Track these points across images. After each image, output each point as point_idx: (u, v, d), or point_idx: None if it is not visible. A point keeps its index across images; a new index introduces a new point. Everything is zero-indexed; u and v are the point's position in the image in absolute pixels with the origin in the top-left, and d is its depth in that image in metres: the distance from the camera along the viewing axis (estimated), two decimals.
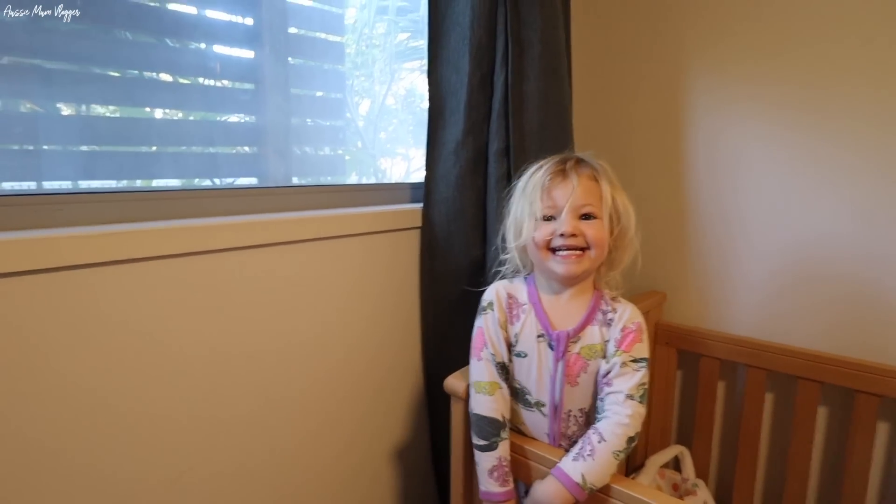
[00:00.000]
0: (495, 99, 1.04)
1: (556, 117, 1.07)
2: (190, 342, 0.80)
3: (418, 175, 1.33)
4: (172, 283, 0.78)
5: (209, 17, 0.97)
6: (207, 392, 0.83)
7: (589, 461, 0.75)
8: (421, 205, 1.09)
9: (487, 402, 0.83)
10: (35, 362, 0.67)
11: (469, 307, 1.09)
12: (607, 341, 0.83)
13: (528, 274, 0.91)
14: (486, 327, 0.87)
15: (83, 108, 0.86)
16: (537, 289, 0.87)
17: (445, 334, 1.04)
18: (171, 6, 0.92)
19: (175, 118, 0.95)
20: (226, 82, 1.02)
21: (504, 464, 0.82)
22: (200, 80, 0.97)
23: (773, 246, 1.17)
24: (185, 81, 0.95)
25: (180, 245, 0.77)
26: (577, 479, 0.74)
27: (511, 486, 0.82)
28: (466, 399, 0.86)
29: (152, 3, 0.89)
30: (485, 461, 0.82)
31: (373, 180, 1.32)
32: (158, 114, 0.94)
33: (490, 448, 0.82)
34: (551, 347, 0.83)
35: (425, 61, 1.08)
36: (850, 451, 1.06)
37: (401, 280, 1.09)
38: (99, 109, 0.88)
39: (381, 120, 1.34)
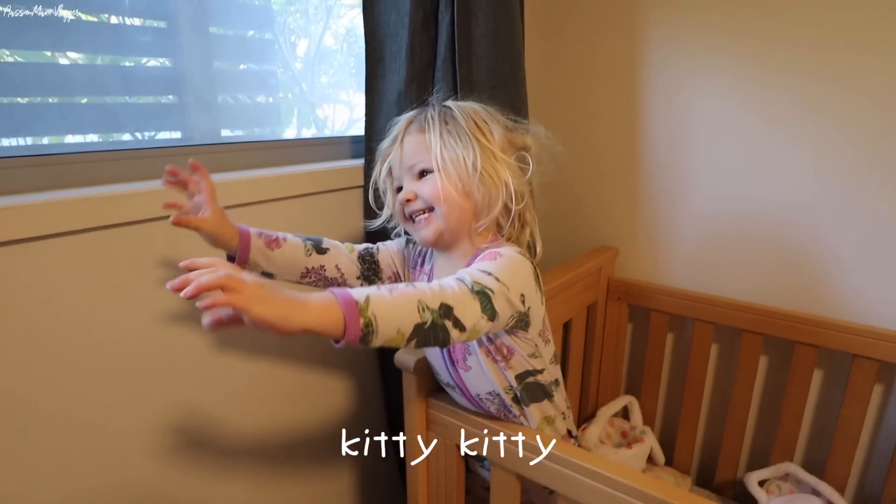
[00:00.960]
0: (440, 42, 0.94)
1: (507, 62, 0.98)
2: (112, 326, 0.73)
3: (361, 125, 1.23)
4: (87, 259, 0.70)
5: None
6: (135, 379, 0.77)
7: (384, 292, 0.55)
8: (362, 161, 1.01)
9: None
10: None
11: None
12: None
13: None
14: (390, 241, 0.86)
15: None
16: (434, 262, 0.81)
17: None
18: None
19: (81, 63, 0.82)
20: (134, 20, 0.89)
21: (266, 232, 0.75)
22: (105, 16, 0.84)
23: (722, 202, 1.15)
24: (89, 18, 0.82)
25: (91, 218, 0.68)
26: (360, 298, 0.53)
27: (249, 231, 0.73)
28: (421, 374, 0.82)
29: None
30: None
31: (313, 130, 1.21)
32: (61, 59, 0.81)
33: None
34: None
35: None
36: (788, 397, 1.11)
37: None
38: None
39: (321, 62, 1.21)
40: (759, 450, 1.21)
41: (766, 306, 1.11)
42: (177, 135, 0.95)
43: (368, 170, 1.00)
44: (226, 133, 1.01)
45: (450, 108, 0.75)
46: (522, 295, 0.68)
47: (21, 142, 0.78)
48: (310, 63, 1.19)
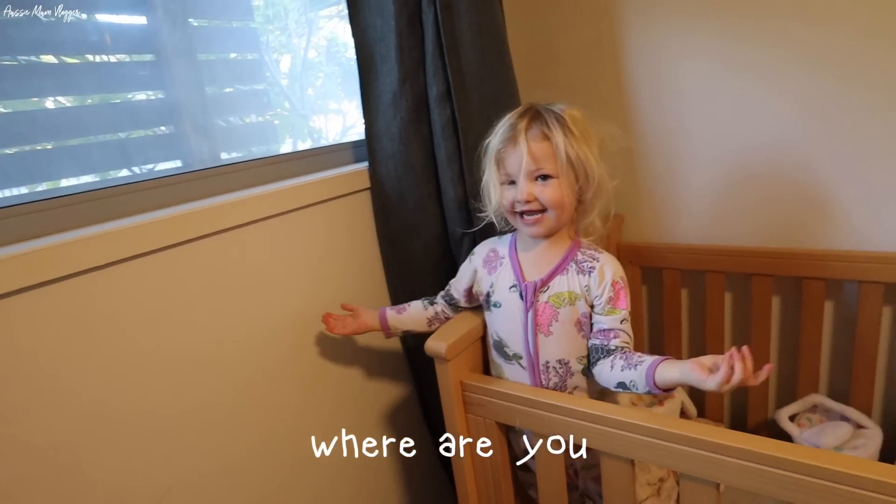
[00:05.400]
0: (427, 39, 0.96)
1: (493, 51, 1.00)
2: (156, 341, 0.75)
3: (356, 131, 1.25)
4: (116, 289, 0.71)
5: None
6: (183, 389, 0.78)
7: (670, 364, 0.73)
8: (366, 164, 1.03)
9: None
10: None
11: (433, 262, 1.06)
12: (586, 288, 0.82)
13: (513, 230, 0.90)
14: (461, 268, 0.95)
15: None
16: (517, 242, 0.89)
17: (414, 292, 1.02)
18: None
19: (70, 105, 0.83)
20: (121, 56, 0.89)
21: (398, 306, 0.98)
22: (89, 57, 0.84)
23: (716, 154, 1.20)
24: (72, 61, 0.82)
25: (103, 254, 0.69)
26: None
27: (385, 310, 0.97)
28: (451, 359, 0.85)
29: None
30: None
31: (308, 143, 1.22)
32: (49, 104, 0.82)
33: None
34: (522, 297, 0.84)
35: (344, 6, 0.98)
36: (804, 332, 1.15)
37: (361, 246, 1.05)
38: None
39: (306, 76, 1.23)
40: (785, 387, 1.24)
41: (772, 248, 1.15)
42: (177, 163, 0.96)
43: (373, 172, 1.02)
44: (224, 156, 1.02)
45: (564, 112, 0.81)
46: None
47: (15, 191, 0.77)
48: (296, 77, 1.21)
